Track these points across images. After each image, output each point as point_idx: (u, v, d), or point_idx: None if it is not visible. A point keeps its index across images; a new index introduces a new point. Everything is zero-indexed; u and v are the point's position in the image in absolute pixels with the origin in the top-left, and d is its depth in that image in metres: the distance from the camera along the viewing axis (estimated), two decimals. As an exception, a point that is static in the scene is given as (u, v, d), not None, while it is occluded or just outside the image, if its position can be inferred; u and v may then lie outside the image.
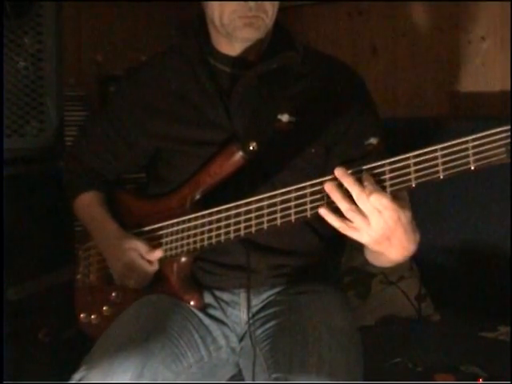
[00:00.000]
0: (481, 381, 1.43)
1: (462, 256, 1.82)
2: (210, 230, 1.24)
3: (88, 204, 1.48)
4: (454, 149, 0.94)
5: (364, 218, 1.01)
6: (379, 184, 1.01)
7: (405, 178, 1.00)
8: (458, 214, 1.88)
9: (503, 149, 0.90)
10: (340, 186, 1.03)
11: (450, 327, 1.74)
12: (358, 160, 1.27)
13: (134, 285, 1.36)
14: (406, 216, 1.02)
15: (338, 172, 1.04)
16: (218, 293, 1.38)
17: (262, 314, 1.34)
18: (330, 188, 1.04)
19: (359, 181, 1.01)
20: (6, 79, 1.62)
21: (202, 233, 1.26)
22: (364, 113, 1.34)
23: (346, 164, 1.28)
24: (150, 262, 1.34)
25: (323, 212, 1.05)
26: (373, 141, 1.30)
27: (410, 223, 1.03)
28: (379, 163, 1.03)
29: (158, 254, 1.33)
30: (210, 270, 1.37)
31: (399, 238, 1.03)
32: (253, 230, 1.18)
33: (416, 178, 0.99)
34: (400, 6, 2.30)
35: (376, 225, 1.01)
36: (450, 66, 2.20)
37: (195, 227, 1.27)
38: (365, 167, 1.04)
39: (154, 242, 1.34)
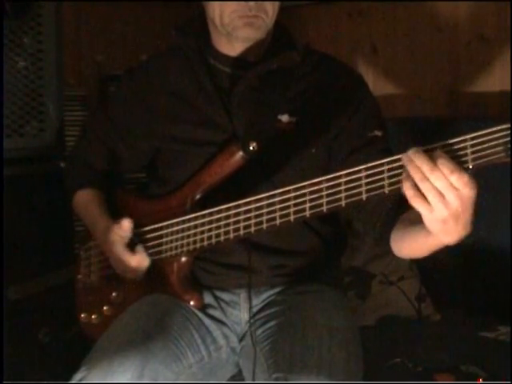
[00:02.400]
0: (481, 381, 1.43)
1: (461, 256, 1.81)
2: (210, 230, 1.24)
3: (85, 201, 1.48)
4: (453, 147, 0.94)
5: (439, 193, 0.94)
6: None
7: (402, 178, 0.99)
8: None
9: (502, 147, 0.89)
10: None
11: (449, 327, 1.74)
12: (362, 150, 1.27)
13: (132, 275, 1.35)
14: (475, 196, 0.96)
15: (412, 151, 0.95)
16: (218, 293, 1.38)
17: (262, 314, 1.34)
18: (407, 159, 0.96)
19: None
20: (6, 79, 1.62)
21: (202, 232, 1.26)
22: (365, 106, 1.34)
23: (350, 154, 1.29)
24: (133, 252, 1.32)
25: (404, 177, 0.97)
26: (377, 133, 1.30)
27: (474, 205, 0.97)
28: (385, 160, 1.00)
29: (125, 223, 1.30)
30: (210, 269, 1.37)
31: (466, 218, 0.97)
32: (252, 229, 1.17)
33: None
34: (400, 6, 2.30)
35: (453, 202, 0.94)
36: (449, 65, 2.20)
37: (195, 227, 1.27)
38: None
39: (154, 241, 1.34)
